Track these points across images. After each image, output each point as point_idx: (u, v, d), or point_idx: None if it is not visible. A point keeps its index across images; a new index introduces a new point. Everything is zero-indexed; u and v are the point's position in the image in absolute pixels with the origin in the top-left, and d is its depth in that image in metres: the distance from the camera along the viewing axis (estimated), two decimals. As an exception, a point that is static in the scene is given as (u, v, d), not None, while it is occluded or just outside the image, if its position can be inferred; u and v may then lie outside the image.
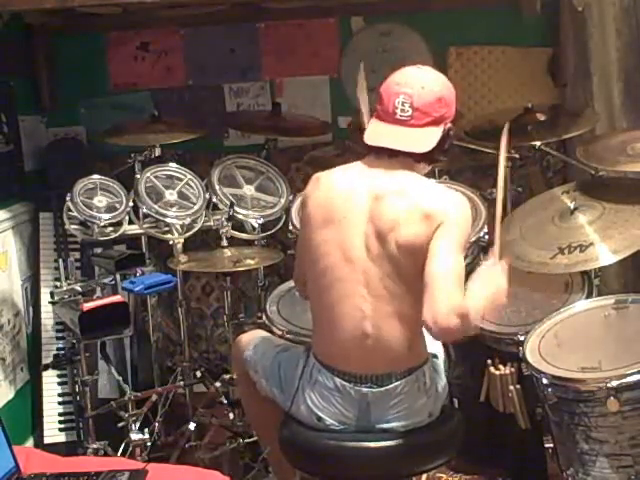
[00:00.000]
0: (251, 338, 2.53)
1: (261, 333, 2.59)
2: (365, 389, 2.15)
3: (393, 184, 2.13)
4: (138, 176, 3.16)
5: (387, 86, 2.18)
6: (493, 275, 2.12)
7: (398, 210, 2.08)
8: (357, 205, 2.13)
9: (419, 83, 2.14)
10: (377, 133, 2.17)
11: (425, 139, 2.14)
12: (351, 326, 2.13)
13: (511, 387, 2.57)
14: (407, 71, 2.20)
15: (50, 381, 3.30)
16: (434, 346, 2.31)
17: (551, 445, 2.49)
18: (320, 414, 2.18)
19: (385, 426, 2.17)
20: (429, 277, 2.02)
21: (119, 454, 2.77)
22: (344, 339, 2.15)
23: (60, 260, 3.14)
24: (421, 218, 2.06)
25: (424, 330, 2.16)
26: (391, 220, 2.08)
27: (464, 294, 2.01)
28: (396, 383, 2.15)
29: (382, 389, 2.14)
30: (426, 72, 2.21)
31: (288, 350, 2.41)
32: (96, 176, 3.15)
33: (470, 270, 2.61)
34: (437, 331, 2.00)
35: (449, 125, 2.19)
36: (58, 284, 2.96)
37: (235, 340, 2.64)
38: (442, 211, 2.07)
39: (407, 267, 2.08)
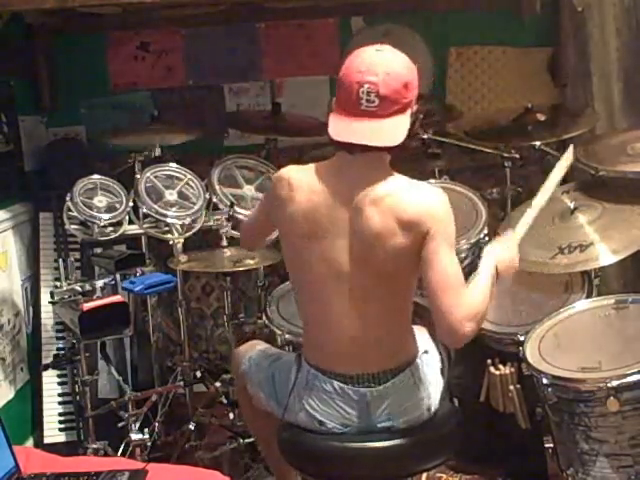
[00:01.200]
0: (246, 351, 2.48)
1: (257, 345, 2.52)
2: (363, 389, 2.14)
3: (370, 192, 2.05)
4: (138, 176, 3.16)
5: (348, 74, 2.00)
6: (508, 245, 2.19)
7: (377, 224, 2.03)
8: (339, 219, 2.07)
9: (383, 69, 1.97)
10: (344, 128, 2.01)
11: (396, 130, 2.01)
12: (341, 330, 2.11)
13: (511, 387, 2.57)
14: (368, 56, 2.01)
15: (50, 381, 3.29)
16: (424, 342, 2.31)
17: (551, 445, 2.49)
18: (321, 418, 2.16)
19: (386, 424, 2.16)
20: (432, 290, 2.00)
21: (119, 454, 2.77)
22: (335, 344, 2.13)
23: (60, 260, 3.13)
24: (401, 229, 2.01)
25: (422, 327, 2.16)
26: (373, 234, 2.03)
27: (467, 291, 2.02)
28: (392, 380, 2.14)
29: (380, 387, 2.14)
30: (389, 55, 2.03)
31: (281, 359, 2.38)
32: (96, 176, 3.14)
33: (470, 271, 2.61)
34: (456, 341, 2.01)
35: (415, 107, 2.07)
36: (58, 284, 2.95)
37: (233, 353, 2.61)
38: (422, 218, 2.01)
39: (393, 271, 2.07)
